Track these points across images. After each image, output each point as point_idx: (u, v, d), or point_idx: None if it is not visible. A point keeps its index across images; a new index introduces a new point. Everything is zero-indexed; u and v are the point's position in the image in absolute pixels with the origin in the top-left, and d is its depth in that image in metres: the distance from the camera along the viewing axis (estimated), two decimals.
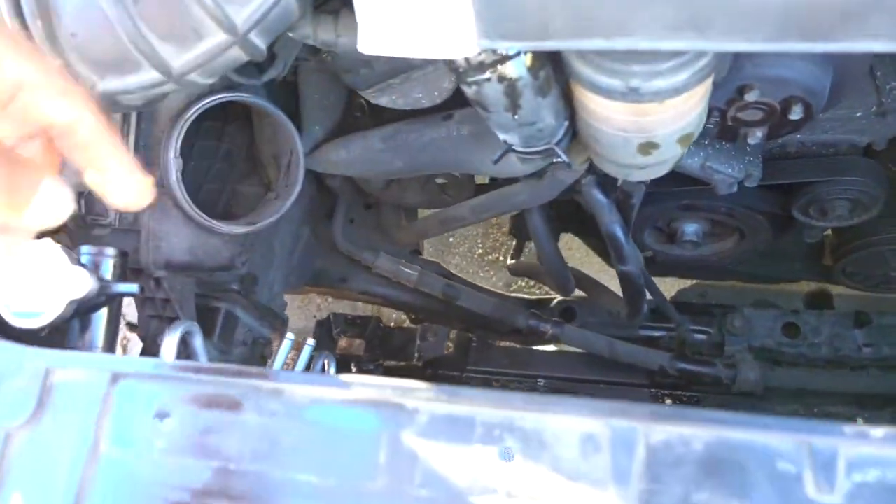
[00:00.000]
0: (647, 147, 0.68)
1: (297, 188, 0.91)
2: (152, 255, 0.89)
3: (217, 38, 0.60)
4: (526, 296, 1.50)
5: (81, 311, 0.64)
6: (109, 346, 0.68)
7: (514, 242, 1.52)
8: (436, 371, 1.51)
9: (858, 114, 0.94)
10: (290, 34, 0.77)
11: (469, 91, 0.63)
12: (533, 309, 1.37)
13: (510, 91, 0.62)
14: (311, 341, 1.05)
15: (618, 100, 0.62)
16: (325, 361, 1.12)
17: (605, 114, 0.65)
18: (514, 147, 0.70)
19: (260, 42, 0.64)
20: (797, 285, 1.52)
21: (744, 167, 0.96)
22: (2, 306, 0.61)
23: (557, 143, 0.70)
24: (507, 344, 1.55)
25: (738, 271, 1.45)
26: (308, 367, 1.08)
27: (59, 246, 0.61)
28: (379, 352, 1.53)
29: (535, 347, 1.53)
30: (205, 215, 0.86)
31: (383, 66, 0.85)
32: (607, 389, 1.46)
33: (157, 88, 0.64)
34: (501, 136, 0.70)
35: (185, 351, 0.81)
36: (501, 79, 0.61)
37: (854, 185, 1.00)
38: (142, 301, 0.96)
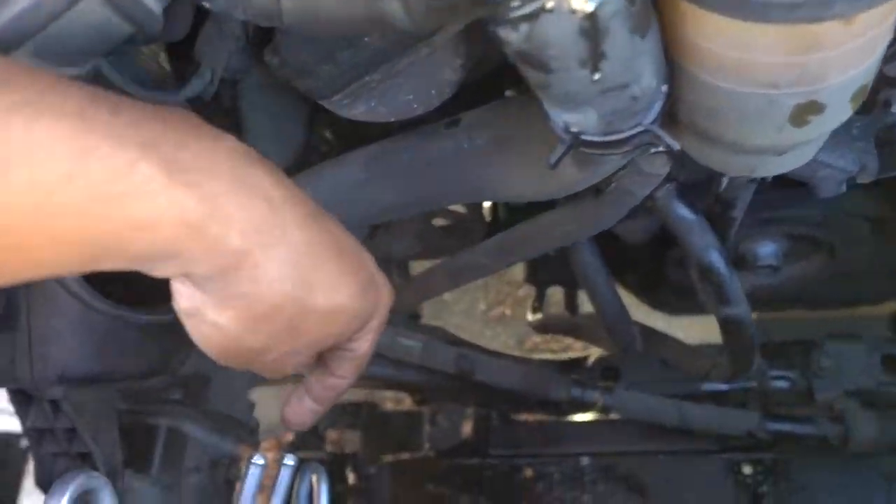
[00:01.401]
0: (806, 112, 0.41)
1: None
2: (38, 367, 0.60)
3: None
4: (552, 356, 1.23)
5: None
6: None
7: (520, 292, 1.24)
8: (452, 461, 1.21)
9: None
10: (208, 4, 0.50)
11: (514, 39, 0.36)
12: (567, 372, 1.08)
13: (589, 28, 0.35)
14: (290, 459, 0.75)
15: (775, 21, 0.35)
16: (313, 478, 0.82)
17: (741, 59, 0.38)
18: (583, 136, 0.43)
19: None
20: (872, 308, 1.26)
21: (856, 157, 0.70)
22: None
23: (653, 122, 0.43)
24: (534, 417, 1.27)
25: (807, 297, 1.18)
26: (290, 496, 0.78)
27: None
28: (379, 445, 1.23)
29: (568, 418, 1.24)
30: (109, 301, 0.57)
31: (352, 59, 0.59)
32: (669, 462, 1.18)
33: None
34: (564, 119, 0.43)
35: None
36: (573, 8, 0.35)
37: None
38: (35, 434, 0.66)
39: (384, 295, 0.50)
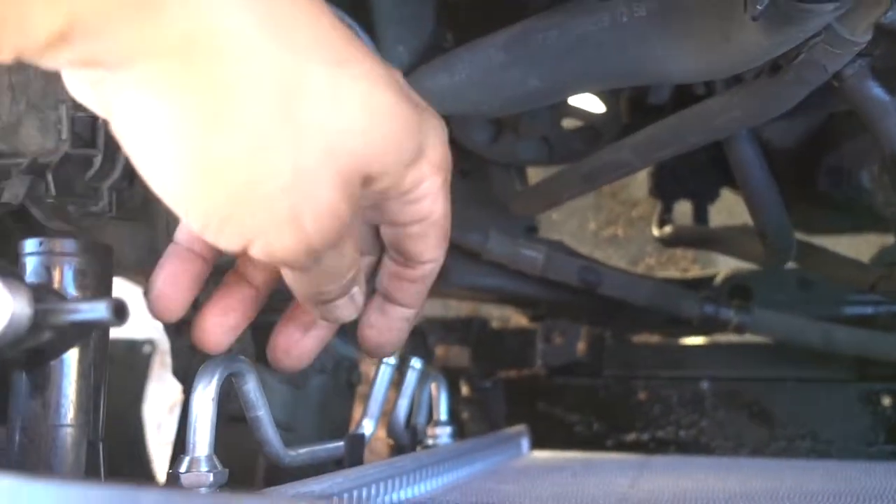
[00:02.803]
0: None
1: None
2: None
3: None
4: (675, 275, 1.16)
5: (19, 358, 0.33)
6: (90, 426, 0.37)
7: (634, 212, 1.17)
8: (565, 380, 1.18)
9: None
10: None
11: None
12: (692, 289, 1.02)
13: None
14: (417, 363, 0.73)
15: None
16: (433, 386, 0.81)
17: None
18: None
19: None
20: None
21: None
22: None
23: None
24: (651, 338, 1.22)
25: None
26: (415, 397, 0.77)
27: None
28: (490, 361, 1.21)
29: (688, 341, 1.19)
30: None
31: None
32: (798, 389, 1.11)
33: None
34: None
35: (234, 402, 0.51)
36: None
37: None
38: (173, 328, 0.66)
39: (439, 124, 0.38)
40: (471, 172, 0.98)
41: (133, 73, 0.28)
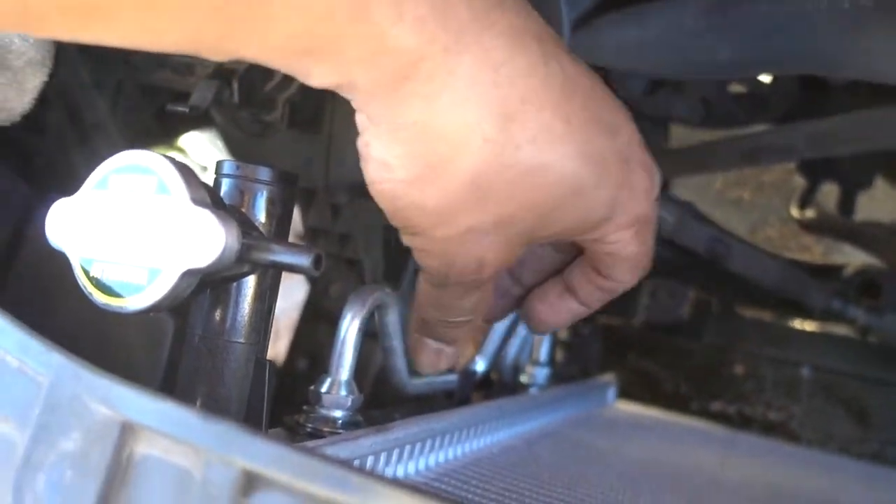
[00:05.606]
0: None
1: None
2: (333, 170, 0.60)
3: None
4: (787, 255, 1.11)
5: (213, 282, 0.35)
6: (259, 345, 0.39)
7: (765, 177, 1.11)
8: (663, 338, 1.17)
9: None
10: None
11: None
12: (823, 279, 0.98)
13: None
14: None
15: None
16: None
17: None
18: None
19: None
20: None
21: None
22: (77, 265, 0.33)
23: None
24: (757, 314, 1.18)
25: None
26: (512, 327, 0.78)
27: (169, 161, 0.31)
28: None
29: (794, 324, 1.15)
30: None
31: None
32: None
33: None
34: None
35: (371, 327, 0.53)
36: None
37: None
38: (311, 234, 0.68)
39: (643, 179, 0.38)
40: None
41: (377, 121, 0.32)
